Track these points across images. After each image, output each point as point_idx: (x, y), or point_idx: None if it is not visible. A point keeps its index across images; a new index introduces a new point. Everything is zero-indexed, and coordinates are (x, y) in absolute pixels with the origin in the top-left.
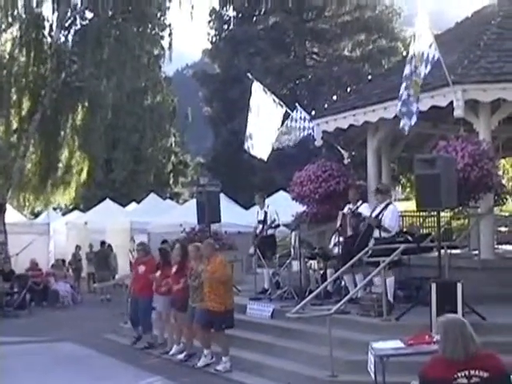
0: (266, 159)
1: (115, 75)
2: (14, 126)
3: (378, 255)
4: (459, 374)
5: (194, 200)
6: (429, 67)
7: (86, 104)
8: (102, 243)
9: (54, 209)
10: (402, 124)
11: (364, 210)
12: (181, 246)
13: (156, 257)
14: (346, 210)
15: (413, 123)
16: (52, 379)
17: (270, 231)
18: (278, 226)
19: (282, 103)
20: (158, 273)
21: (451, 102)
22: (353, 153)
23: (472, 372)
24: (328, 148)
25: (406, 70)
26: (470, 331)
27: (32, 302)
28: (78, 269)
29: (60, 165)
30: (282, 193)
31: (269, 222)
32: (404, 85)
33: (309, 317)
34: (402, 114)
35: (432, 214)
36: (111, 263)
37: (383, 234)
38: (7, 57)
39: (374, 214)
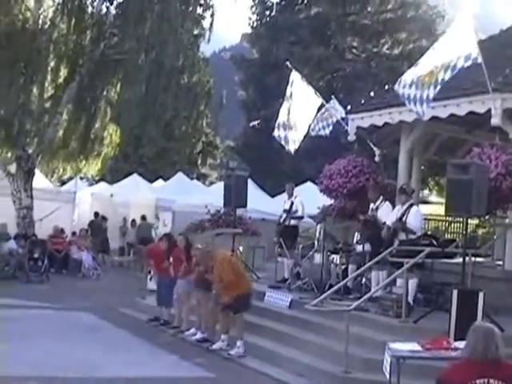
0: (293, 152)
1: (154, 51)
2: (50, 92)
3: (401, 256)
4: (478, 382)
5: (221, 183)
6: (469, 62)
7: (122, 77)
8: (96, 214)
9: (81, 178)
10: (416, 110)
11: (385, 209)
12: (184, 239)
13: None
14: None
15: (425, 109)
16: (65, 346)
17: (293, 222)
18: (302, 217)
19: (318, 94)
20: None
21: (489, 110)
22: (384, 151)
23: (491, 381)
24: (360, 144)
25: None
26: (496, 338)
27: (51, 268)
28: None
29: (91, 135)
30: (309, 184)
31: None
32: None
33: (328, 311)
34: (410, 100)
35: (458, 219)
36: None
37: (409, 236)
38: (48, 23)
39: (398, 215)
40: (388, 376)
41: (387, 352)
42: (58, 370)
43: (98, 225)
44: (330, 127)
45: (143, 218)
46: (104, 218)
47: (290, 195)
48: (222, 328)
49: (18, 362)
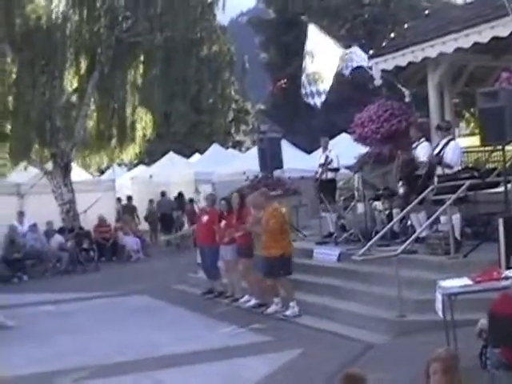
0: (319, 105)
1: (169, 28)
2: (74, 85)
3: (443, 193)
4: None
5: (256, 147)
6: None
7: (142, 59)
8: (129, 198)
9: (119, 165)
10: None
11: (423, 149)
12: (239, 195)
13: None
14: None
15: None
16: (122, 332)
17: (330, 175)
18: (337, 169)
19: (338, 44)
20: (223, 223)
21: None
22: (413, 90)
23: None
24: (388, 87)
25: None
26: None
27: (102, 257)
28: (155, 222)
29: (122, 121)
30: (343, 135)
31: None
32: None
33: (375, 258)
34: None
35: (497, 148)
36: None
37: (446, 171)
38: (61, 17)
39: (435, 152)
40: (441, 314)
41: (438, 291)
42: (117, 355)
43: (129, 209)
44: (349, 69)
45: (162, 194)
46: (151, 201)
47: (325, 149)
48: (271, 292)
49: (79, 354)
